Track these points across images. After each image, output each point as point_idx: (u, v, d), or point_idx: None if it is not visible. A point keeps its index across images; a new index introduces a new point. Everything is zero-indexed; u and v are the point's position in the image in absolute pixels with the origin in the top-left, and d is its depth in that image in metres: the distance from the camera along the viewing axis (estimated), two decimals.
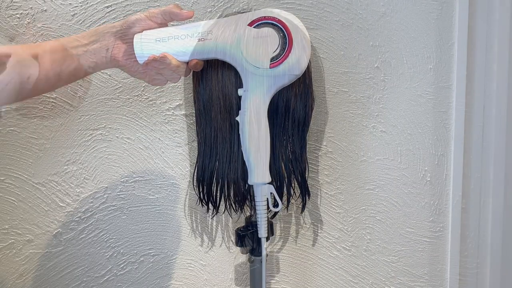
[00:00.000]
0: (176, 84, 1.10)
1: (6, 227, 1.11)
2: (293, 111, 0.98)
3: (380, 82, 1.12)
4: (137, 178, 1.14)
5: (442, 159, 1.16)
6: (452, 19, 1.10)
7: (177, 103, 1.12)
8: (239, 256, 1.19)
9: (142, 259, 1.17)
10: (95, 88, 1.10)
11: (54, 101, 1.10)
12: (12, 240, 1.12)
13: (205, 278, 1.20)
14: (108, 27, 0.86)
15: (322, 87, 1.12)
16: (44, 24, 1.06)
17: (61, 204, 1.13)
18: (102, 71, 1.08)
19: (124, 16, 1.07)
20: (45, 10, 1.06)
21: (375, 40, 1.11)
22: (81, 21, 1.07)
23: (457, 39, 1.10)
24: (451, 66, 1.12)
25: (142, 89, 1.12)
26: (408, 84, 1.13)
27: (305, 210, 1.16)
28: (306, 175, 1.04)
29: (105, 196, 1.14)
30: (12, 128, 1.09)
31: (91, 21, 1.07)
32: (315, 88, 1.11)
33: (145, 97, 1.12)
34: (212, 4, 1.09)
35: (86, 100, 1.10)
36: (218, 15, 1.07)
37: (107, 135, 1.12)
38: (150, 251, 1.17)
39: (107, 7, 1.07)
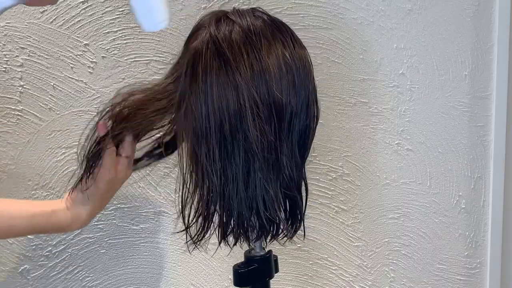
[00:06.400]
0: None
1: None
2: (291, 121, 0.83)
3: (406, 91, 1.12)
4: (118, 205, 1.11)
5: (480, 183, 1.17)
6: (491, 17, 1.10)
7: None
8: None
9: None
10: (68, 98, 1.07)
11: (19, 113, 1.06)
12: None
13: None
14: None
15: (337, 97, 1.11)
16: (8, 22, 1.03)
17: (28, 236, 1.08)
18: (77, 78, 1.05)
19: (103, 14, 1.04)
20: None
21: (399, 42, 1.11)
22: (51, 19, 1.04)
23: (497, 40, 1.11)
24: (490, 72, 1.12)
25: None
26: (439, 93, 1.13)
27: (317, 243, 1.15)
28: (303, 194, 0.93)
29: None
30: None
31: (63, 19, 1.04)
32: (329, 99, 1.10)
33: None
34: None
35: (57, 112, 1.07)
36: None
37: None
38: None
39: (83, 2, 1.03)
